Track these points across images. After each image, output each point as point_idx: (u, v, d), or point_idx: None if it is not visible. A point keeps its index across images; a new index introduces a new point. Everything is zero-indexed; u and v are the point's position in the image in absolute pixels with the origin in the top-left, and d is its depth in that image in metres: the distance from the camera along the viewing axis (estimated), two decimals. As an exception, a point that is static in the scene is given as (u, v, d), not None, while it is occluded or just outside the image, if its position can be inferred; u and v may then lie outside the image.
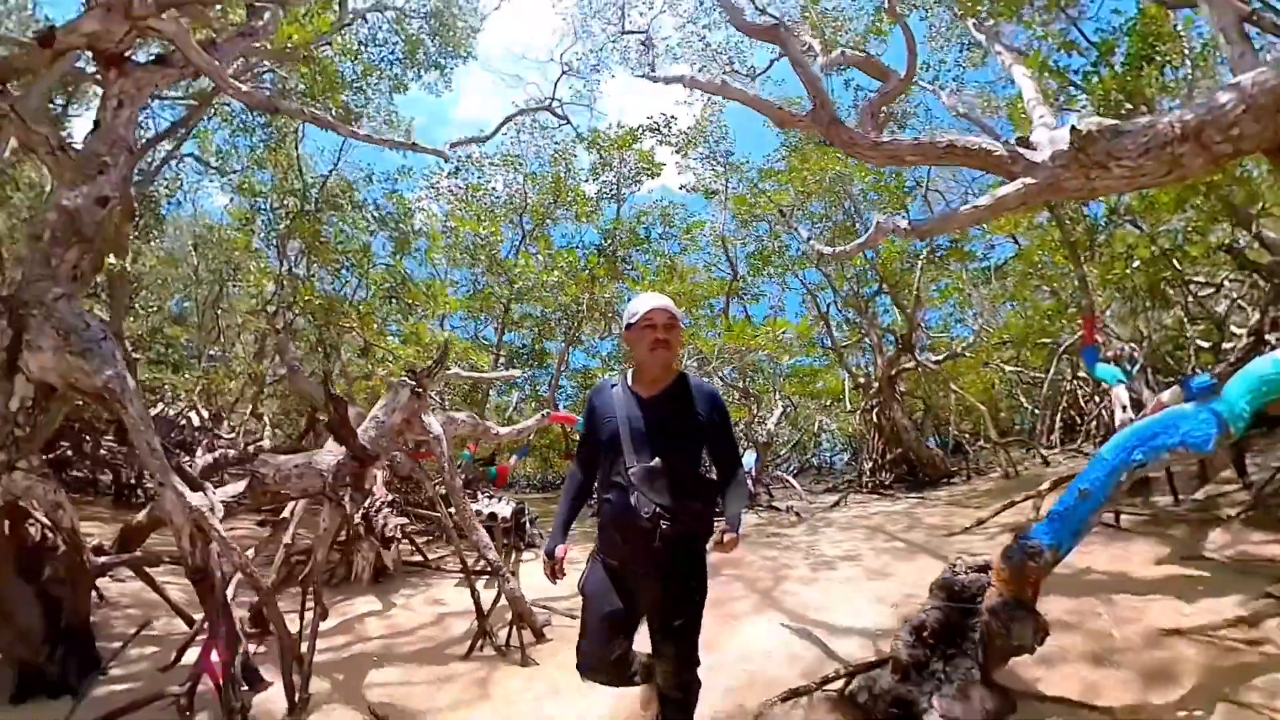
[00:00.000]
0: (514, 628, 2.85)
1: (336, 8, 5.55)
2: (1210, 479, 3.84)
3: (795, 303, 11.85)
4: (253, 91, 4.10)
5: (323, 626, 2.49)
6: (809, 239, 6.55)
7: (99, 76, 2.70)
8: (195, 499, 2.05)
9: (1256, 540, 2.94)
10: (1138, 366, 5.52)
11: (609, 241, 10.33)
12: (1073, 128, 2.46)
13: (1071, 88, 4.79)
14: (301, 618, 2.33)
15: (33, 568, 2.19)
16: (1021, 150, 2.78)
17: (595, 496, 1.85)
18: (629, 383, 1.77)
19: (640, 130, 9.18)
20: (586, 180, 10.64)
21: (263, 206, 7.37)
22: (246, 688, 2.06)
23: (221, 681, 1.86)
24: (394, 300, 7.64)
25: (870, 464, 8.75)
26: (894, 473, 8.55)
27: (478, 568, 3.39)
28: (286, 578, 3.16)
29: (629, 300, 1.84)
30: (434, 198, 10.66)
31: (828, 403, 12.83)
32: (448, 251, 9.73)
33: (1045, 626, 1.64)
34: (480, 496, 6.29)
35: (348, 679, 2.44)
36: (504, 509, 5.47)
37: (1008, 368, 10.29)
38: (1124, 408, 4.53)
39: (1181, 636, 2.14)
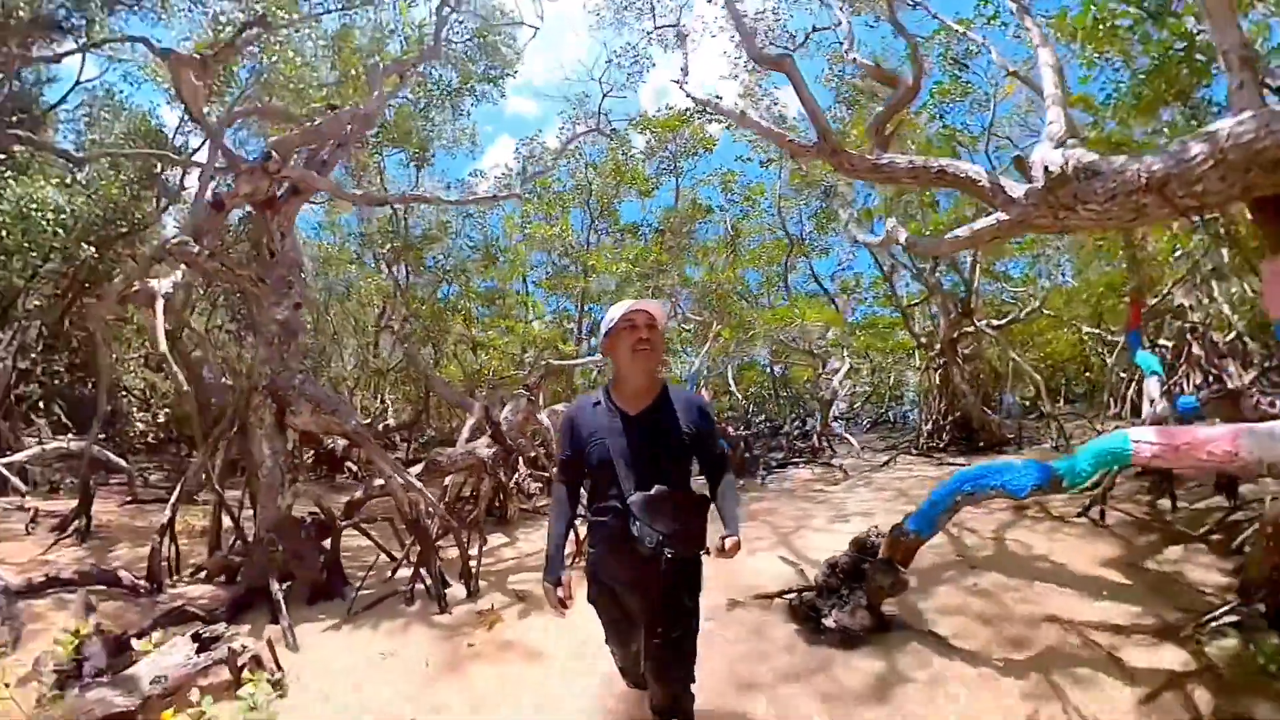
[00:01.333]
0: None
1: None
2: (1226, 492, 3.98)
3: (866, 256, 12.00)
4: (368, 194, 5.49)
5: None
6: (846, 222, 6.95)
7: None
8: (407, 478, 3.53)
9: (1202, 562, 3.25)
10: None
11: (670, 219, 11.17)
12: (1045, 169, 2.61)
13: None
14: (467, 543, 3.74)
15: (312, 532, 3.79)
16: (1002, 184, 2.99)
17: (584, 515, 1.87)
18: (611, 399, 1.73)
19: (689, 113, 9.69)
20: (643, 160, 11.43)
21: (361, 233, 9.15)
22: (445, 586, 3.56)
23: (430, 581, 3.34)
24: (492, 304, 9.30)
25: (929, 425, 9.17)
26: (950, 436, 8.86)
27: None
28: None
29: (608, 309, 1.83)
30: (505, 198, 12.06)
31: (904, 356, 13.00)
32: (527, 244, 11.08)
33: (903, 581, 2.57)
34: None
35: (497, 579, 3.85)
36: None
37: (1086, 329, 9.91)
38: (1152, 401, 4.64)
39: (1055, 624, 2.64)
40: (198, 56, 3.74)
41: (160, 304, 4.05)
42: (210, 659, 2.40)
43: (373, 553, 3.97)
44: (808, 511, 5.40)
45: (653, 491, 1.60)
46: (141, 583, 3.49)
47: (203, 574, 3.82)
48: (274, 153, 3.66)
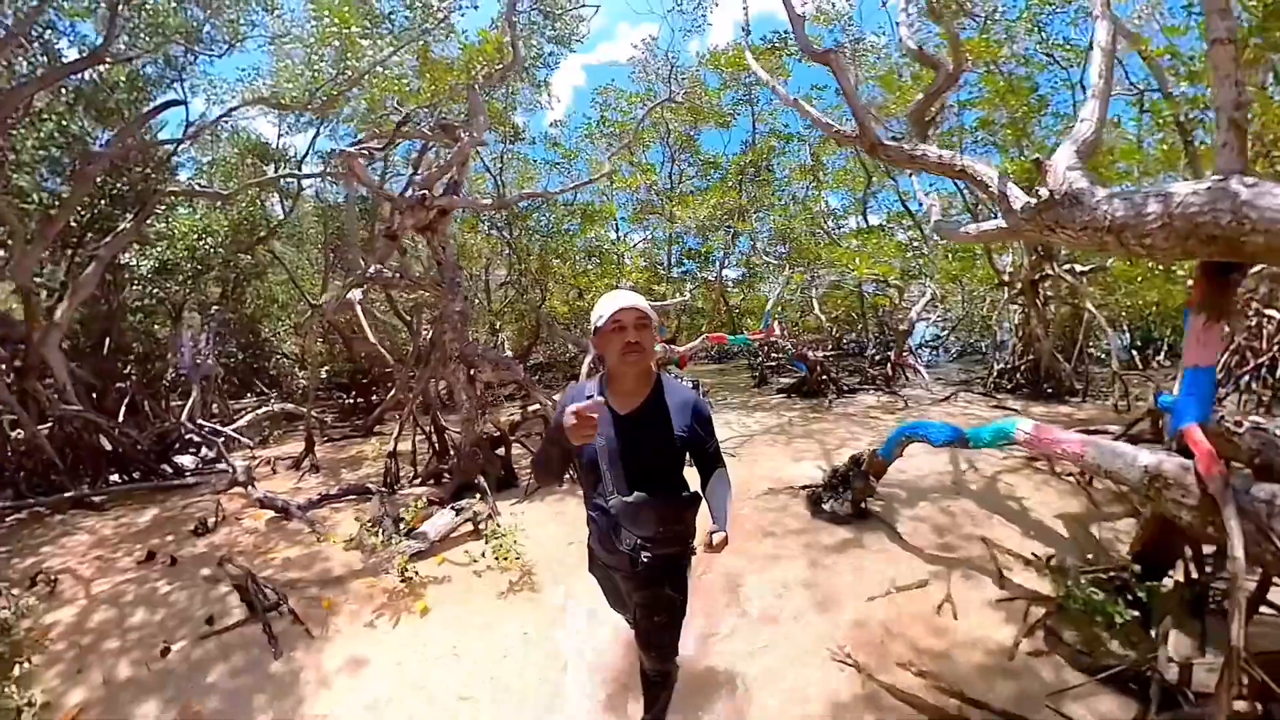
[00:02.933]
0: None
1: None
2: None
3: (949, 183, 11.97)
4: (496, 200, 7.12)
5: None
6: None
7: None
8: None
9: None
10: None
11: (746, 156, 11.90)
12: (1035, 192, 2.96)
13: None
14: None
15: (490, 444, 5.88)
16: (1008, 193, 3.29)
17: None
18: (603, 394, 1.78)
19: (758, 44, 10.04)
20: (719, 93, 12.00)
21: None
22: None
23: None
24: (593, 258, 11.00)
25: (1000, 365, 9.65)
26: (1023, 378, 9.17)
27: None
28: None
29: (598, 302, 1.83)
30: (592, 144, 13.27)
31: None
32: (618, 185, 12.43)
33: (872, 487, 4.03)
34: (671, 375, 9.89)
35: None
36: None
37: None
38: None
39: (982, 543, 3.55)
40: (365, 152, 5.49)
41: (359, 309, 6.37)
42: (463, 519, 4.42)
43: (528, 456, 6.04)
44: (855, 434, 6.78)
45: (632, 499, 1.70)
46: (382, 489, 5.67)
47: (417, 479, 6.05)
48: (427, 191, 5.41)
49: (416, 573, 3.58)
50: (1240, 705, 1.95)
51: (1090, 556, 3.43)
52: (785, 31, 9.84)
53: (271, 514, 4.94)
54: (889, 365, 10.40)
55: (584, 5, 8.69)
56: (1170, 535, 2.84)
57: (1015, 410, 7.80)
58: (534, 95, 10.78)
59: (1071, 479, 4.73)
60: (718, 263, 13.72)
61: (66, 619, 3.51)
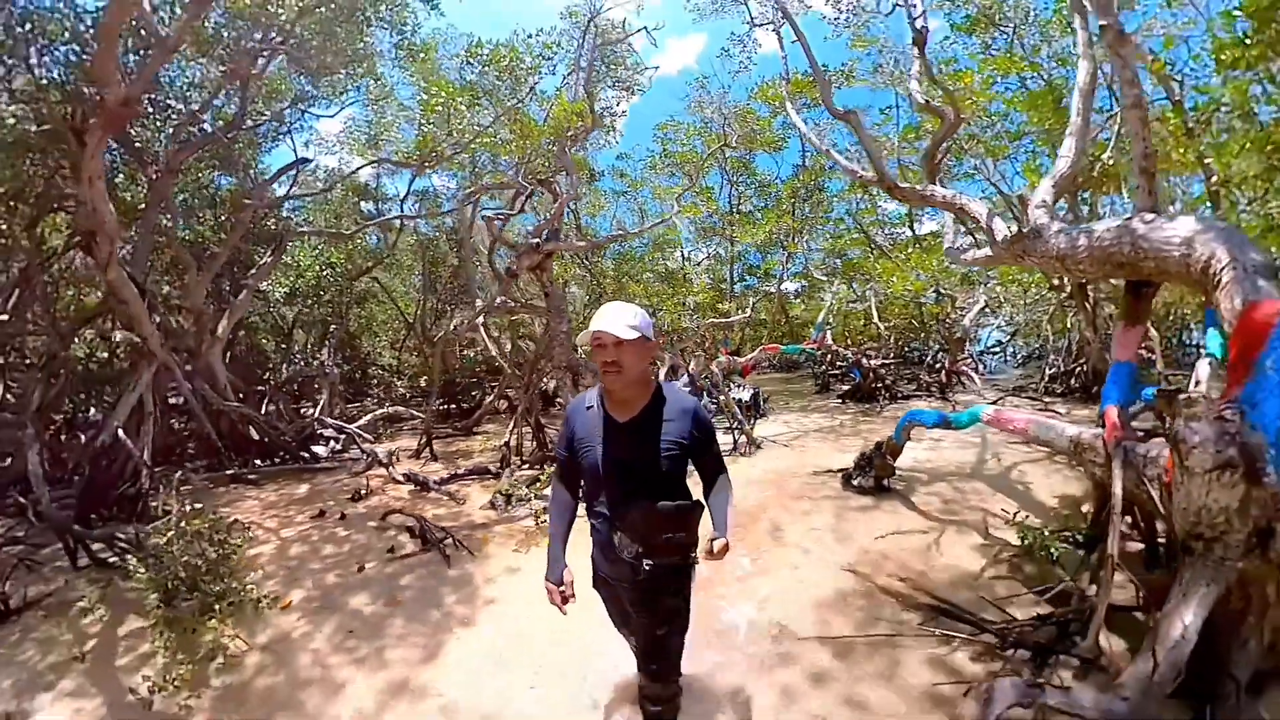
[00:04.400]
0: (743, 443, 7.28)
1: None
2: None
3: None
4: (589, 241, 8.74)
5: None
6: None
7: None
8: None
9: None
10: None
11: (801, 174, 13.03)
12: (1009, 230, 3.87)
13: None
14: None
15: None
16: (994, 227, 4.18)
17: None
18: (603, 404, 1.87)
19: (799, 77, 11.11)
20: (770, 120, 13.18)
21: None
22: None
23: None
24: (664, 280, 12.54)
25: (1051, 370, 10.17)
26: (1072, 383, 9.60)
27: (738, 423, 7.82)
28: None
29: None
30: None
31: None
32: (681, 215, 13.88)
33: (890, 467, 5.11)
34: (734, 385, 10.98)
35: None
36: (745, 394, 10.06)
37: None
38: (1198, 382, 5.41)
39: (980, 512, 4.50)
40: (499, 219, 7.13)
41: (482, 330, 8.01)
42: None
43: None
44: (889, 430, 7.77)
45: (632, 508, 1.75)
46: (503, 469, 7.23)
47: (525, 464, 7.54)
48: (539, 239, 6.98)
49: (544, 520, 5.01)
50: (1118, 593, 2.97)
51: (1070, 525, 4.37)
52: (824, 65, 10.91)
53: (411, 488, 6.35)
54: (944, 372, 11.12)
55: (645, 69, 10.20)
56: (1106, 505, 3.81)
57: (1060, 414, 8.33)
58: (602, 135, 12.40)
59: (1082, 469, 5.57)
60: (777, 278, 14.82)
61: (268, 552, 4.59)
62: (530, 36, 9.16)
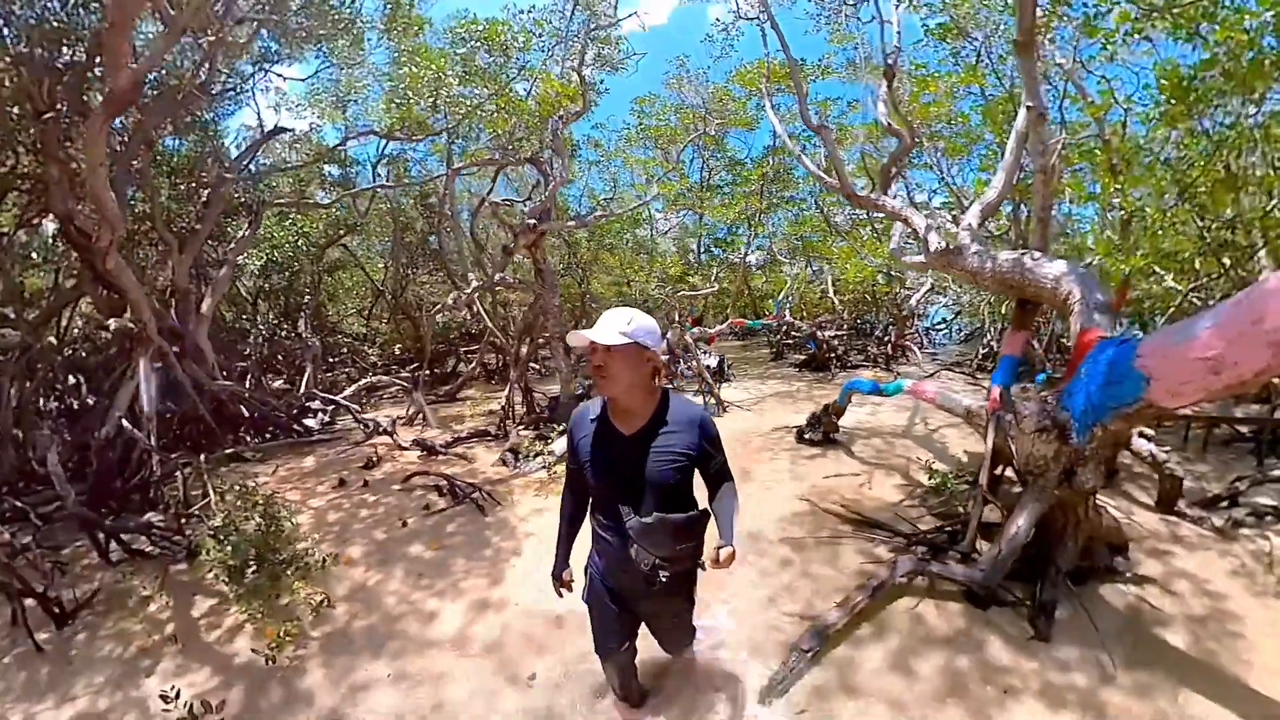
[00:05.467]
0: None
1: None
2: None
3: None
4: (578, 220, 9.63)
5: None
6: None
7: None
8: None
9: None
10: None
11: (771, 155, 14.09)
12: (941, 244, 4.70)
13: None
14: None
15: (578, 397, 8.42)
16: (928, 239, 4.99)
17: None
18: (608, 415, 1.93)
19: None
20: (744, 101, 14.06)
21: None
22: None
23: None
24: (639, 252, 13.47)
25: (984, 349, 11.63)
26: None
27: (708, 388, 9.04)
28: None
29: None
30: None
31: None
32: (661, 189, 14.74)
33: (835, 424, 6.44)
34: (702, 351, 12.15)
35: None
36: (712, 360, 11.24)
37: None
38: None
39: (906, 460, 6.37)
40: (532, 222, 7.78)
41: (476, 301, 8.86)
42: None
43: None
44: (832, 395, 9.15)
45: (650, 520, 1.81)
46: (497, 430, 8.24)
47: (520, 425, 8.51)
48: (536, 219, 7.82)
49: (555, 472, 6.10)
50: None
51: (968, 470, 5.75)
52: (801, 59, 11.85)
53: (419, 453, 6.78)
54: (889, 345, 12.62)
55: (634, 56, 10.86)
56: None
57: (985, 388, 9.85)
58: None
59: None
60: (743, 251, 15.99)
61: (305, 522, 4.79)
62: (522, 13, 9.62)
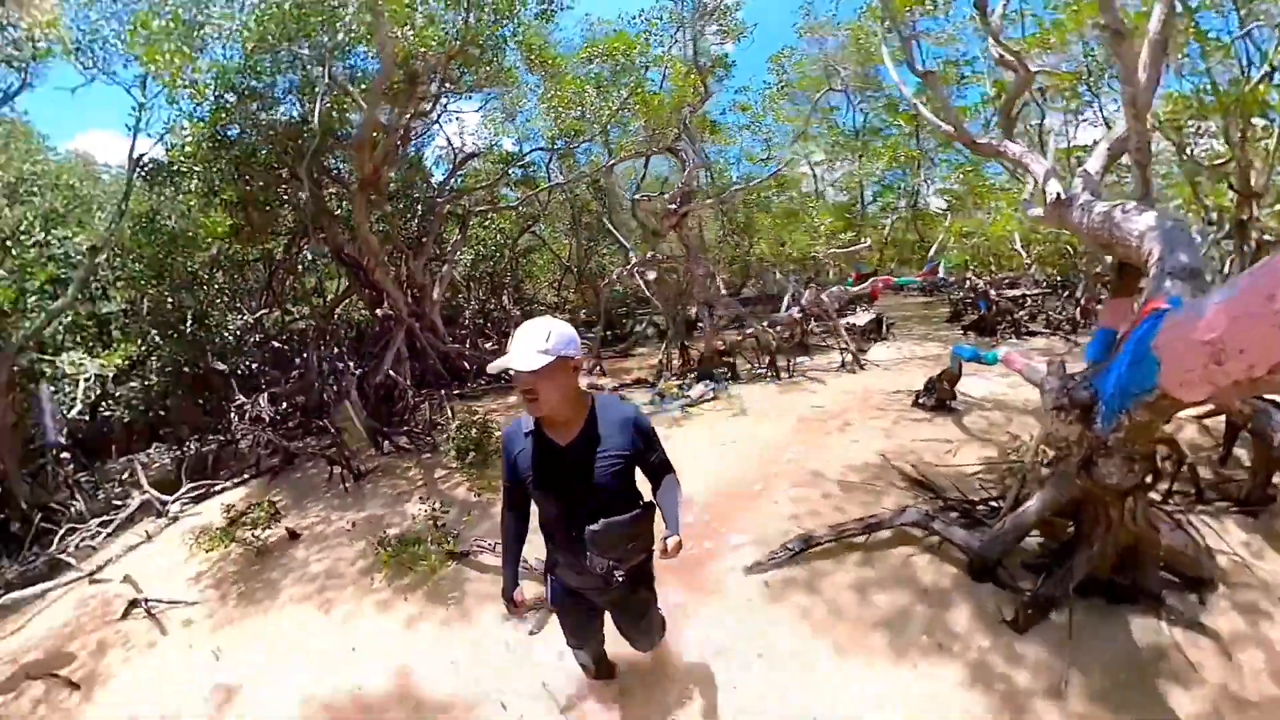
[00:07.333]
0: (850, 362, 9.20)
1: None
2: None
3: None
4: (718, 198, 10.67)
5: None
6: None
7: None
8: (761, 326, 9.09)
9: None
10: None
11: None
12: (1057, 194, 4.10)
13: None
14: (788, 357, 9.13)
15: (721, 353, 9.66)
16: (1047, 188, 4.34)
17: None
18: (541, 428, 1.98)
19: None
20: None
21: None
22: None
23: (773, 369, 8.82)
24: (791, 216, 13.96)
25: None
26: None
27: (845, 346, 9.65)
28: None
29: None
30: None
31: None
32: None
33: (949, 390, 6.65)
34: (857, 310, 12.32)
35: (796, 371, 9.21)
36: (861, 319, 11.43)
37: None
38: None
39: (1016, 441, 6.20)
40: (672, 207, 9.18)
41: (635, 275, 10.45)
42: (709, 389, 8.36)
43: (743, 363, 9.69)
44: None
45: (597, 526, 1.90)
46: (653, 380, 9.76)
47: (673, 376, 9.97)
48: (675, 204, 9.03)
49: (688, 412, 7.69)
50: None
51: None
52: None
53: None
54: (1080, 309, 11.17)
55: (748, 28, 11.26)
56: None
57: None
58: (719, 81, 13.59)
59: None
60: (912, 195, 15.19)
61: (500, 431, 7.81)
62: (634, 17, 11.05)
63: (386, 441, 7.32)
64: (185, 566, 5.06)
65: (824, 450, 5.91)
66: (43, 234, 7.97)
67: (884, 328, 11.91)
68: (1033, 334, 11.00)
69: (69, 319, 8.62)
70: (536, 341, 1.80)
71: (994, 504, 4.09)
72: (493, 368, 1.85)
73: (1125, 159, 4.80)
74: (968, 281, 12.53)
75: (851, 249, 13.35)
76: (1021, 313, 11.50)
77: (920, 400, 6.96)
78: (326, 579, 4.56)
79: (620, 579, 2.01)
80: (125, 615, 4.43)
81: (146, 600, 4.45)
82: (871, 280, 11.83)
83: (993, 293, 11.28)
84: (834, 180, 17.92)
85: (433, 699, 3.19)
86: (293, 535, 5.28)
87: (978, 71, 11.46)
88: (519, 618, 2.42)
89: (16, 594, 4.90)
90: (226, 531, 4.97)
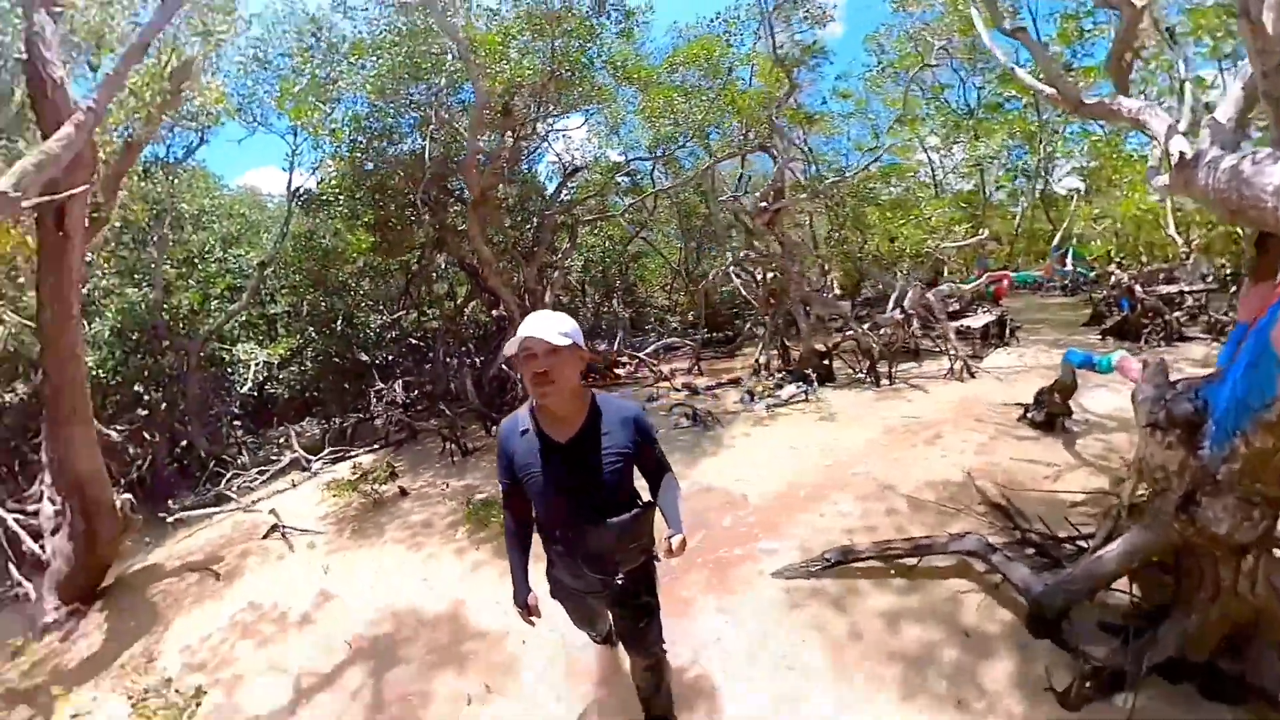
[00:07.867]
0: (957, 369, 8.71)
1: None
2: None
3: None
4: (810, 191, 10.58)
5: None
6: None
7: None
8: (861, 329, 8.96)
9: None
10: None
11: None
12: (1180, 153, 2.84)
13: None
14: (890, 362, 8.89)
15: (819, 354, 9.61)
16: (1170, 149, 3.00)
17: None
18: (538, 424, 1.92)
19: None
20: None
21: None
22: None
23: (873, 375, 8.64)
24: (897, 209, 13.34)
25: None
26: None
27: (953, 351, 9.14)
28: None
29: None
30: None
31: None
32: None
33: (1061, 404, 6.09)
34: (976, 312, 11.52)
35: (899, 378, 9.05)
36: (978, 321, 10.70)
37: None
38: None
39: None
40: (763, 205, 9.32)
41: (732, 275, 10.67)
42: (800, 390, 8.43)
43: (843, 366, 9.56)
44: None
45: (597, 527, 1.88)
46: (751, 379, 9.93)
47: (770, 376, 9.99)
48: (766, 203, 9.09)
49: (774, 412, 7.89)
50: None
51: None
52: None
53: (685, 393, 9.60)
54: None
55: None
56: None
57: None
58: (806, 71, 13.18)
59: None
60: (1039, 176, 13.74)
61: None
62: (713, 19, 11.24)
63: (494, 425, 8.23)
64: (317, 508, 6.66)
65: (903, 463, 5.73)
66: (221, 253, 11.30)
67: (1006, 331, 10.98)
68: (1187, 339, 9.46)
69: (243, 318, 11.11)
70: (557, 324, 1.82)
71: (1081, 544, 3.47)
72: (510, 345, 1.83)
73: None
74: (1112, 276, 11.15)
75: (966, 242, 12.39)
76: (1177, 313, 9.94)
77: (1029, 415, 6.44)
78: (421, 527, 5.76)
79: (620, 580, 1.99)
80: (266, 536, 6.00)
81: (283, 527, 5.98)
82: (987, 276, 10.89)
83: (1138, 289, 9.92)
84: (954, 166, 16.62)
85: (474, 627, 4.01)
86: (403, 492, 6.68)
87: (1100, 23, 10.08)
88: (530, 624, 2.26)
89: (191, 514, 6.99)
90: (352, 484, 6.41)
